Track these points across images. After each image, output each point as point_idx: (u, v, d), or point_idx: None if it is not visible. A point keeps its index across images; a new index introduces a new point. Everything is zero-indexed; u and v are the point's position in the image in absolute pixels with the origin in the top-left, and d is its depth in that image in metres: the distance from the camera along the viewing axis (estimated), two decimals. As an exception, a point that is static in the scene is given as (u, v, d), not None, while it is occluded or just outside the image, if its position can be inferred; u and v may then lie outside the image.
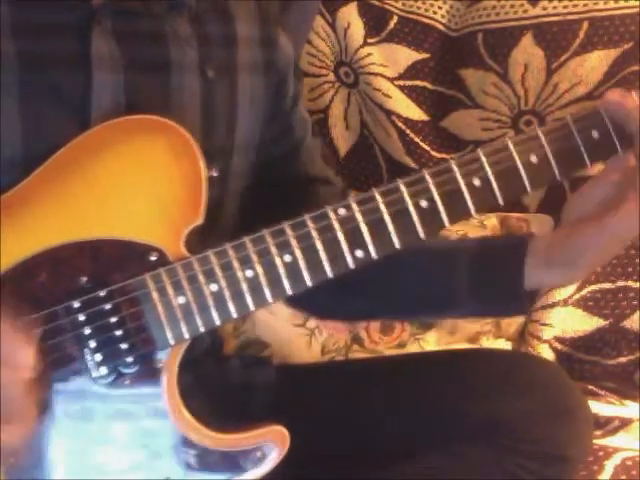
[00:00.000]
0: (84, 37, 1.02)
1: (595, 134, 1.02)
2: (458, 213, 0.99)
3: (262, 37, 1.22)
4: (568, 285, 1.09)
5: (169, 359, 0.96)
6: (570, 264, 1.05)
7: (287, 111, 1.26)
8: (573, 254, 1.04)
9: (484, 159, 0.99)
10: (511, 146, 1.00)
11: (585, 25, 1.85)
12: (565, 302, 1.85)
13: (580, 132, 1.01)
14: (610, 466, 1.48)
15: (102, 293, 0.94)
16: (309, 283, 0.96)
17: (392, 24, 2.02)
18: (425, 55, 2.03)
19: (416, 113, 2.02)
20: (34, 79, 1.00)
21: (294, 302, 1.30)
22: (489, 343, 1.88)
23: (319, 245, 0.96)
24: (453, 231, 1.85)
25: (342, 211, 0.97)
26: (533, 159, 1.00)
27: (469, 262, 1.14)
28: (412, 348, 1.84)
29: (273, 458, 1.00)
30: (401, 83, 2.02)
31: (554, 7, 1.88)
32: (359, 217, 0.97)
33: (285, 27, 1.28)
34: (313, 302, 1.20)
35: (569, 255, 1.05)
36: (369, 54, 2.02)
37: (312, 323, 1.79)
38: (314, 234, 0.96)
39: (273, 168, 1.24)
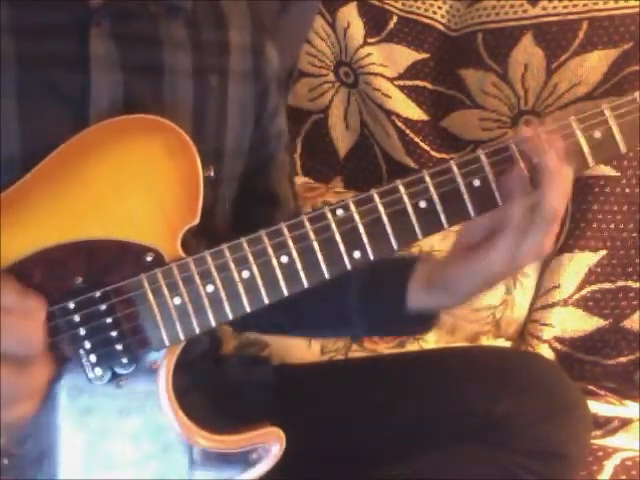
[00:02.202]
0: (82, 38, 1.03)
1: (597, 134, 1.00)
2: (457, 214, 0.98)
3: (253, 44, 1.22)
4: (447, 309, 1.14)
5: (165, 360, 0.96)
6: (446, 290, 1.07)
7: (265, 122, 1.26)
8: (449, 281, 1.06)
9: (484, 160, 0.98)
10: (512, 147, 0.99)
11: (585, 25, 1.85)
12: (565, 302, 1.85)
13: (582, 132, 1.00)
14: (610, 466, 1.48)
15: (97, 294, 0.94)
16: (306, 284, 0.96)
17: (392, 24, 2.03)
18: (425, 55, 2.03)
19: (416, 113, 2.02)
20: (32, 79, 1.00)
21: None
22: (489, 343, 1.88)
23: (316, 246, 0.95)
24: (453, 231, 1.85)
25: (340, 211, 0.96)
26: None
27: (359, 284, 1.16)
28: (412, 348, 1.84)
29: (270, 459, 1.00)
30: (401, 83, 2.02)
31: (554, 7, 1.88)
32: (357, 218, 0.96)
33: (282, 28, 1.28)
34: None
35: (445, 282, 1.07)
36: (369, 54, 2.03)
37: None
38: (311, 235, 0.95)
39: (243, 180, 1.24)
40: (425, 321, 1.14)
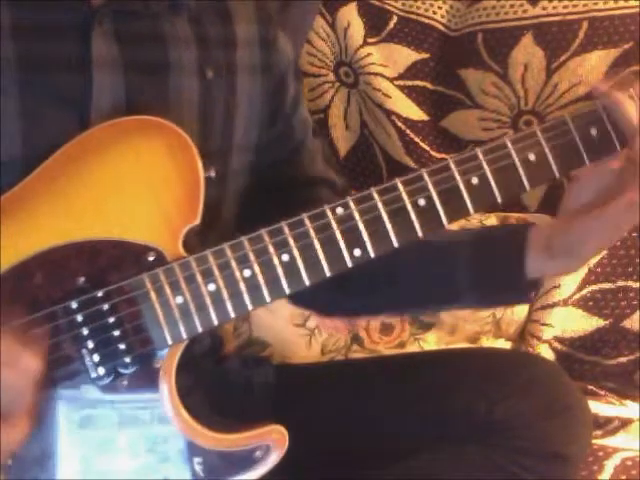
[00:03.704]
0: (84, 38, 1.02)
1: (593, 131, 1.01)
2: (456, 212, 0.99)
3: (261, 38, 1.21)
4: (568, 273, 1.12)
5: (167, 359, 0.96)
6: (571, 253, 1.06)
7: (288, 112, 1.26)
8: (574, 244, 1.05)
9: (482, 157, 0.99)
10: (509, 144, 0.99)
11: (585, 25, 1.85)
12: (565, 302, 1.85)
13: (578, 130, 1.01)
14: (610, 466, 1.48)
15: (100, 293, 0.94)
16: (307, 282, 0.96)
17: (392, 24, 2.02)
18: (425, 55, 2.03)
19: (416, 113, 2.02)
20: (34, 80, 1.00)
21: (295, 299, 1.29)
22: (489, 343, 1.87)
23: (317, 244, 0.96)
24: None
25: (340, 210, 0.97)
26: (531, 157, 1.00)
27: (469, 254, 1.13)
28: (412, 348, 1.84)
29: (273, 458, 1.00)
30: (401, 83, 2.02)
31: (554, 7, 1.88)
32: (357, 216, 0.97)
33: (284, 27, 1.27)
34: (315, 299, 1.21)
35: (570, 244, 1.05)
36: (369, 54, 2.02)
37: (312, 323, 1.79)
38: (312, 233, 0.96)
39: (275, 169, 1.24)
40: (532, 288, 1.13)
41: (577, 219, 1.04)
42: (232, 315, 0.95)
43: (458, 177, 0.98)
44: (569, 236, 1.05)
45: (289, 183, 1.27)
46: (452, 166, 0.98)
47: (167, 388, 0.96)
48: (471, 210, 0.99)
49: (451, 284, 1.16)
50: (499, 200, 0.99)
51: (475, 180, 0.98)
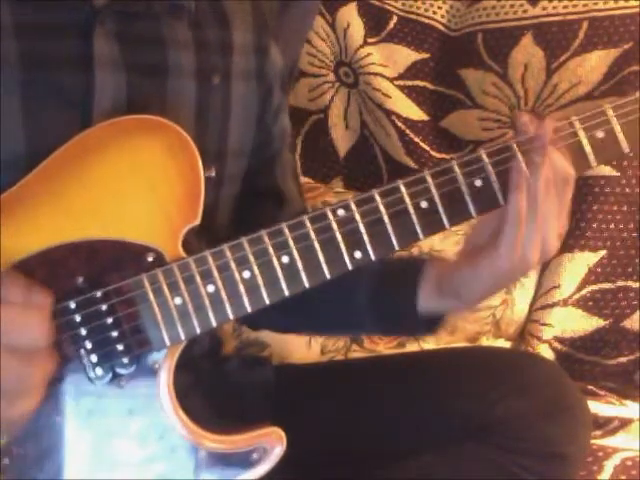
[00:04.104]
0: (86, 38, 1.02)
1: (600, 134, 1.00)
2: (459, 215, 0.98)
3: (256, 45, 1.22)
4: (460, 312, 1.11)
5: (165, 360, 0.96)
6: (456, 295, 1.06)
7: (269, 121, 1.27)
8: (458, 285, 1.05)
9: (486, 159, 0.98)
10: (514, 146, 0.99)
11: (585, 25, 1.86)
12: (565, 302, 1.86)
13: (586, 130, 1.00)
14: (610, 466, 1.49)
15: (98, 294, 0.93)
16: (307, 284, 0.95)
17: (392, 24, 2.02)
18: (425, 55, 2.03)
19: (416, 113, 2.02)
20: (36, 79, 1.00)
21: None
22: (489, 343, 1.88)
23: (317, 246, 0.95)
24: (454, 231, 1.85)
25: (341, 212, 0.96)
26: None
27: (369, 286, 1.15)
28: (412, 348, 1.84)
29: (271, 459, 1.00)
30: (401, 83, 2.02)
31: (554, 7, 1.88)
32: (358, 218, 0.96)
33: (284, 27, 1.28)
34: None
35: (455, 286, 1.05)
36: (369, 54, 2.02)
37: (312, 323, 1.79)
38: (312, 235, 0.95)
39: (248, 177, 1.24)
40: (433, 323, 1.13)
41: (467, 259, 1.04)
42: (231, 317, 0.94)
43: (461, 180, 0.97)
44: (455, 277, 1.05)
45: (258, 193, 1.27)
46: (455, 168, 0.98)
47: (165, 389, 0.96)
48: (473, 213, 0.98)
49: (354, 315, 1.18)
50: (502, 203, 0.98)
51: (479, 183, 0.98)
